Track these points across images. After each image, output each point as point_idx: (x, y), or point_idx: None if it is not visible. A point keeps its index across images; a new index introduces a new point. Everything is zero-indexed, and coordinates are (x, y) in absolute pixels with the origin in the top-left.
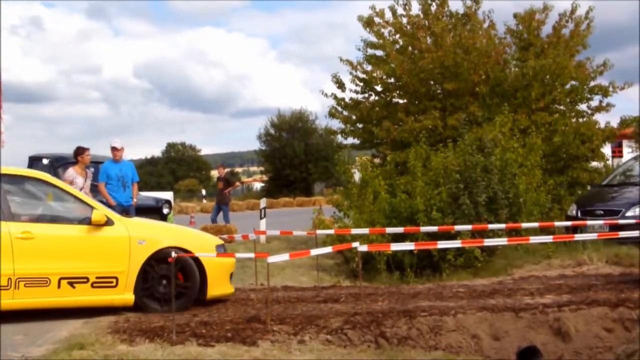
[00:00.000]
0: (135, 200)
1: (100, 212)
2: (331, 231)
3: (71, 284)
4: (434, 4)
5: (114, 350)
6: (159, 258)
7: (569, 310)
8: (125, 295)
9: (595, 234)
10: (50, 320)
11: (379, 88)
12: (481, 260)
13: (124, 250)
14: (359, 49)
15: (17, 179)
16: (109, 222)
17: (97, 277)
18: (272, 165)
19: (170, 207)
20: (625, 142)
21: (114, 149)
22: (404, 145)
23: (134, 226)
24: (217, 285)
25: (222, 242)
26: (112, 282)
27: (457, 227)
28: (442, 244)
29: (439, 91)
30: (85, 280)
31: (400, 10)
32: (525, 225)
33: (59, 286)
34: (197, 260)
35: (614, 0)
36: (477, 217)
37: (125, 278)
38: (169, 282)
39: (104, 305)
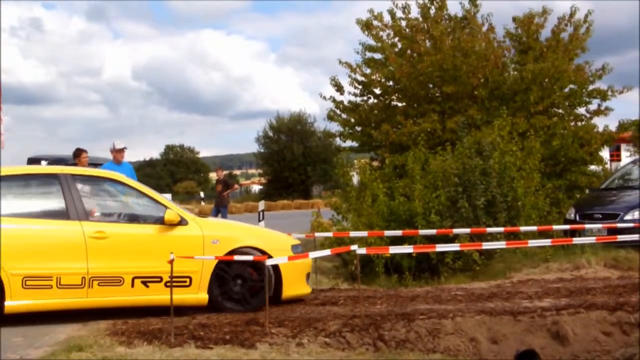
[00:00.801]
0: None
1: (174, 211)
2: (330, 234)
3: (145, 283)
4: (432, 7)
5: (113, 352)
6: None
7: (568, 313)
8: (199, 294)
9: (594, 238)
10: (48, 323)
11: (377, 91)
12: (479, 263)
13: (197, 250)
14: (358, 52)
15: (92, 180)
16: (182, 222)
17: (170, 277)
18: (271, 168)
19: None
20: (623, 146)
21: (118, 150)
22: (402, 148)
23: (207, 226)
24: (293, 285)
25: (298, 242)
26: (185, 281)
27: (456, 231)
28: (440, 247)
29: (437, 94)
30: (158, 279)
31: (399, 14)
32: (523, 228)
33: (132, 285)
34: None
35: (614, 2)
36: (475, 221)
37: (199, 278)
38: (244, 282)
39: (178, 305)
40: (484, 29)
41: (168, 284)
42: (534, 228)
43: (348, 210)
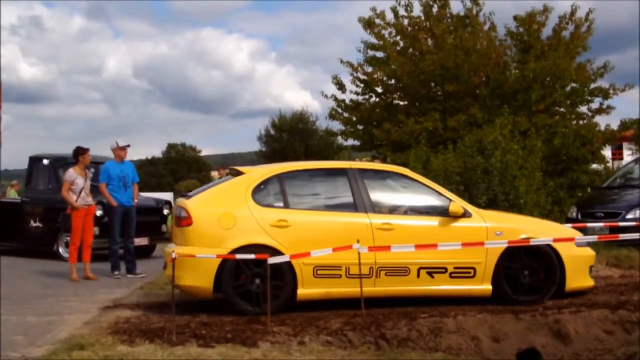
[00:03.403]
0: (136, 200)
1: (458, 203)
2: None
3: (430, 274)
4: (435, 5)
5: (114, 351)
6: (515, 249)
7: (569, 312)
8: (483, 285)
9: (596, 236)
10: (50, 321)
11: (379, 89)
12: None
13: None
14: (360, 51)
15: (377, 174)
16: (466, 214)
17: (454, 268)
18: None
19: (170, 208)
20: (625, 145)
21: (122, 148)
22: (404, 147)
23: (490, 217)
24: (576, 278)
25: (580, 234)
26: (469, 272)
27: None
28: (442, 246)
29: (439, 93)
30: (443, 270)
31: (401, 12)
32: None
33: (418, 275)
34: (556, 252)
35: (615, 2)
36: None
37: (483, 269)
38: (532, 273)
39: (462, 295)
40: (486, 27)
41: (453, 274)
42: None
43: None
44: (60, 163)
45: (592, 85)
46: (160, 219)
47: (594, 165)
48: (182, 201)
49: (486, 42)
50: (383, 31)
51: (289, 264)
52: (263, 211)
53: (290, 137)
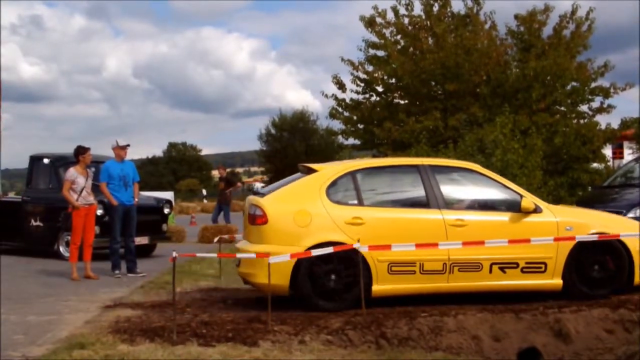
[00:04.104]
0: (136, 199)
1: (529, 199)
2: None
3: (502, 269)
4: (436, 4)
5: (115, 350)
6: (586, 244)
7: (570, 311)
8: (554, 280)
9: (596, 236)
10: (50, 320)
11: (380, 89)
12: None
13: (552, 236)
14: (360, 49)
15: (449, 170)
16: (537, 210)
17: (526, 263)
18: (273, 166)
19: (171, 207)
20: (626, 144)
21: (122, 147)
22: (404, 146)
23: (561, 212)
24: None
25: None
26: (540, 267)
27: None
28: (443, 245)
29: (440, 92)
30: (515, 265)
31: (402, 11)
32: None
33: (490, 271)
34: (625, 246)
35: (615, 2)
36: None
37: (554, 264)
38: (602, 268)
39: (532, 290)
40: (487, 26)
41: (524, 269)
42: None
43: None
44: (61, 162)
45: (593, 85)
46: (161, 218)
47: (595, 164)
48: (256, 199)
49: (487, 41)
50: (384, 30)
51: (364, 260)
52: (338, 208)
53: (290, 136)
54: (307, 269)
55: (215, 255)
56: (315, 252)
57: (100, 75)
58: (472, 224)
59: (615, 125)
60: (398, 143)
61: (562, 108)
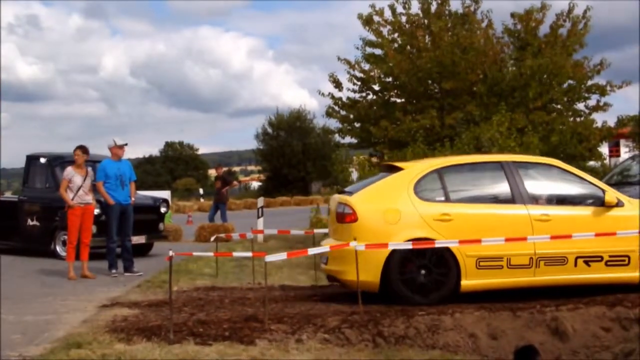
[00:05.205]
0: (133, 198)
1: (612, 194)
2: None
3: (586, 263)
4: (434, 2)
5: (112, 349)
6: None
7: (567, 309)
8: (637, 273)
9: (593, 233)
10: (48, 319)
11: (376, 87)
12: None
13: (635, 230)
14: (358, 48)
15: (531, 166)
16: (619, 204)
17: (610, 256)
18: (270, 165)
19: (167, 206)
20: (622, 142)
21: (120, 146)
22: (401, 145)
23: None
24: None
25: None
26: (624, 260)
27: None
28: (439, 243)
29: (436, 90)
30: (599, 259)
31: (400, 9)
32: None
33: (575, 264)
34: None
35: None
36: None
37: (637, 257)
38: None
39: (615, 283)
40: (483, 25)
41: (608, 263)
42: None
43: None
44: (58, 162)
45: (589, 83)
46: (158, 218)
47: (591, 162)
48: (344, 198)
49: (483, 39)
50: (381, 28)
51: (452, 256)
52: (426, 205)
53: (287, 135)
54: (397, 265)
55: (211, 254)
56: (312, 251)
57: (98, 75)
58: (556, 219)
59: (611, 123)
60: (394, 141)
61: (559, 106)
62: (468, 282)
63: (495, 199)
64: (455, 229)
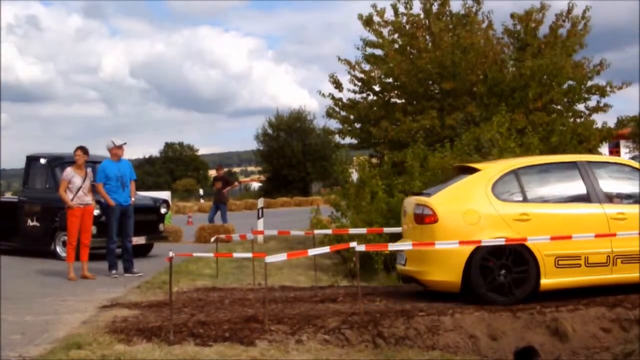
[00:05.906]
0: (133, 198)
1: None
2: (329, 231)
3: None
4: (435, 3)
5: (112, 350)
6: None
7: (567, 310)
8: None
9: (593, 234)
10: (47, 320)
11: (377, 88)
12: None
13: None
14: (358, 48)
15: (605, 165)
16: None
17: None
18: (270, 165)
19: (167, 207)
20: (622, 142)
21: (119, 146)
22: (401, 145)
23: None
24: None
25: None
26: None
27: None
28: (439, 244)
29: (436, 91)
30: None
31: (401, 9)
32: None
33: None
34: None
35: (614, 1)
36: None
37: None
38: None
39: None
40: (484, 25)
41: None
42: None
43: (347, 207)
44: (57, 162)
45: (589, 83)
46: (158, 218)
47: None
48: (423, 199)
49: (483, 40)
50: (382, 29)
51: (531, 255)
52: (504, 206)
53: (287, 136)
54: (479, 264)
55: (212, 255)
56: (312, 252)
57: (97, 75)
58: (632, 217)
59: (611, 124)
60: (395, 142)
61: (559, 107)
62: (547, 281)
63: (572, 199)
64: (534, 229)
